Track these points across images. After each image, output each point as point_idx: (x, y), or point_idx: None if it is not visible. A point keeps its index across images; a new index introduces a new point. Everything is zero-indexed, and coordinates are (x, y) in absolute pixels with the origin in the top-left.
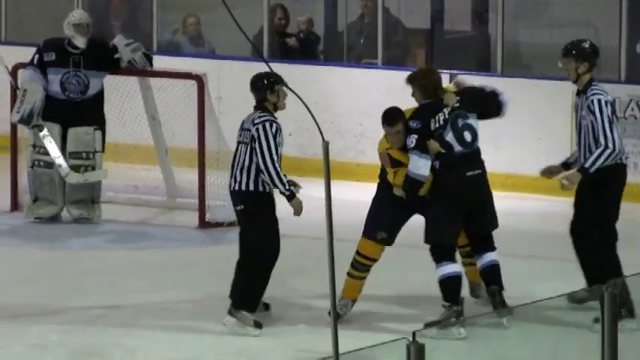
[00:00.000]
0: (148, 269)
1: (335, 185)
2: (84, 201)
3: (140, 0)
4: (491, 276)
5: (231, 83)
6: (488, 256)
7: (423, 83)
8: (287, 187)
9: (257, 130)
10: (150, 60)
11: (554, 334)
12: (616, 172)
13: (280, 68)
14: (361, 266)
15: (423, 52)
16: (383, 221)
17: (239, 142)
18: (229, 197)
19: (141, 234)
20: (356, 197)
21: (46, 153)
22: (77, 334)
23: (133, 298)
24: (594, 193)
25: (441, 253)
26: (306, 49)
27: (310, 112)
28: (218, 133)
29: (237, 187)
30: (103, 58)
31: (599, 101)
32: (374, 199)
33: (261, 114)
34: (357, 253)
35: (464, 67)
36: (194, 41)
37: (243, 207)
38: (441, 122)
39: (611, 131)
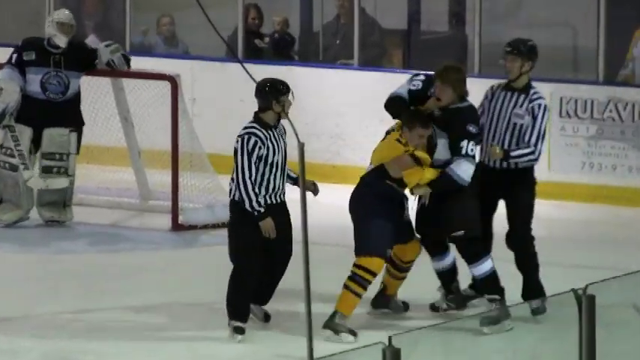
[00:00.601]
0: (120, 273)
1: None
2: (55, 203)
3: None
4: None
5: (206, 84)
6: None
7: (461, 78)
8: (256, 206)
9: (236, 142)
10: (128, 62)
11: (533, 338)
12: (533, 174)
13: (255, 69)
14: (368, 283)
15: (400, 53)
16: (388, 237)
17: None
18: (202, 199)
19: (113, 237)
20: (332, 200)
21: (12, 155)
22: (48, 339)
23: (105, 302)
24: (521, 197)
25: (481, 246)
26: (281, 50)
27: (285, 112)
28: (192, 135)
29: (230, 196)
30: (82, 58)
31: (544, 108)
32: (367, 214)
33: (248, 125)
34: (366, 270)
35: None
36: (168, 41)
37: (230, 215)
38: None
39: (542, 141)
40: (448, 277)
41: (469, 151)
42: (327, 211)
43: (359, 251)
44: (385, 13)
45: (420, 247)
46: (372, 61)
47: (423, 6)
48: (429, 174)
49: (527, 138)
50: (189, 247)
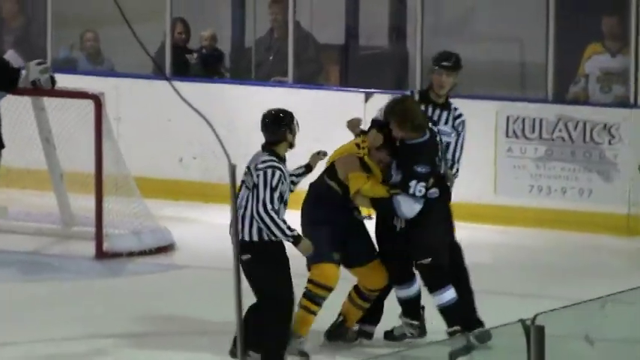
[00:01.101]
0: (42, 303)
1: None
2: None
3: (34, 14)
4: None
5: (131, 103)
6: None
7: (404, 113)
8: (288, 233)
9: (258, 176)
10: (54, 84)
11: None
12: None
13: (183, 86)
14: (321, 299)
15: (337, 70)
16: (332, 240)
17: (243, 183)
18: (128, 225)
19: (33, 265)
20: None
21: None
22: None
23: (25, 333)
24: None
25: (442, 275)
26: (209, 66)
27: (215, 133)
28: (117, 157)
29: (242, 237)
30: (4, 78)
31: (465, 124)
32: (309, 222)
33: (267, 158)
34: (318, 284)
35: (380, 85)
36: (92, 58)
37: (249, 257)
38: (441, 157)
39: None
40: (414, 305)
41: (416, 192)
42: None
43: (307, 263)
44: (321, 26)
45: (386, 275)
46: (307, 78)
47: (362, 19)
48: (373, 187)
49: (452, 155)
50: (115, 276)
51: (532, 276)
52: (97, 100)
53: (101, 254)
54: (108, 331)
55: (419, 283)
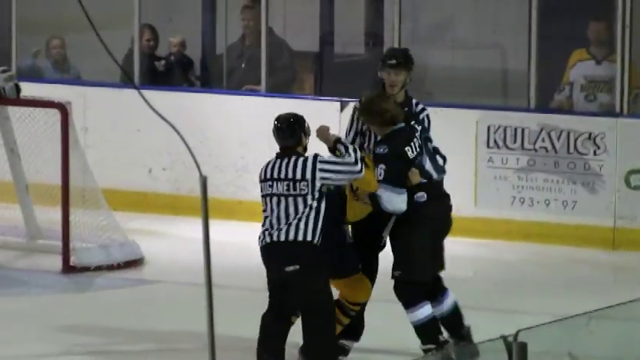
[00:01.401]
0: (6, 318)
1: (214, 225)
2: None
3: None
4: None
5: (99, 112)
6: (450, 299)
7: (374, 109)
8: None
9: (321, 170)
10: (18, 92)
11: None
12: None
13: (151, 95)
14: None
15: (312, 78)
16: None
17: (275, 195)
18: (96, 239)
19: None
20: (237, 239)
21: None
22: None
23: None
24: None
25: (415, 291)
26: (178, 74)
27: (186, 143)
28: (84, 168)
29: (300, 238)
30: None
31: (429, 118)
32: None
33: (302, 156)
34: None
35: (356, 94)
36: (58, 65)
37: (297, 267)
38: (417, 149)
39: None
40: (453, 321)
41: (379, 176)
42: (233, 251)
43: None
44: (295, 33)
45: (371, 288)
46: (281, 87)
47: (337, 26)
48: (368, 176)
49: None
50: (82, 290)
51: (514, 291)
52: (64, 110)
53: (68, 268)
54: (75, 347)
55: (452, 297)
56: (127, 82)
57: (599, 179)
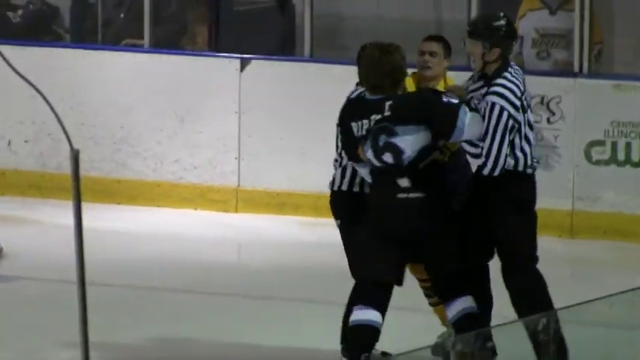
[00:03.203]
0: None
1: (88, 209)
2: None
3: None
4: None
5: None
6: (459, 304)
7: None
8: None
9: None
10: None
11: None
12: None
13: (8, 51)
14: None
15: (206, 31)
16: None
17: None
18: None
19: None
20: (116, 225)
21: None
22: None
23: None
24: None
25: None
26: (38, 26)
27: (53, 110)
28: None
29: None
30: None
31: (494, 105)
32: None
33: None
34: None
35: (260, 50)
36: None
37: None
38: (363, 131)
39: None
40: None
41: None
42: (112, 241)
43: None
44: None
45: None
46: (168, 41)
47: None
48: None
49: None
50: None
51: None
52: None
53: None
54: None
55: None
56: None
57: (554, 152)
